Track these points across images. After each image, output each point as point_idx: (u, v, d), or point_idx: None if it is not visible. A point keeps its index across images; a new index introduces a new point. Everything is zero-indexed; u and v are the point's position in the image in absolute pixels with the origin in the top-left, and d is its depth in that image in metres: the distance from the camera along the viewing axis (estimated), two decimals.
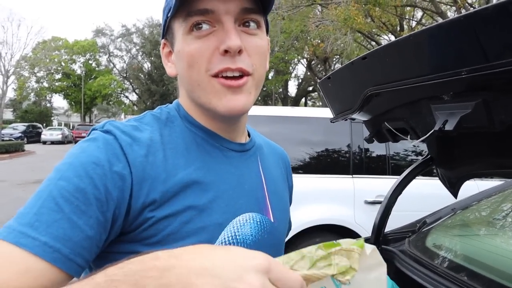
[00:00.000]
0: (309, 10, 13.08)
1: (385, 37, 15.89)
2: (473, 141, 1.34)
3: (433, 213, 1.77)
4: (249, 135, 0.79)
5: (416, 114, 0.95)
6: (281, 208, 0.79)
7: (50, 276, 0.50)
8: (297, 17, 13.24)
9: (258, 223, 0.71)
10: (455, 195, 1.64)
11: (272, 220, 0.74)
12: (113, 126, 0.63)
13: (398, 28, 14.13)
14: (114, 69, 43.35)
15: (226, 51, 0.61)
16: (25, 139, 27.27)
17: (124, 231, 0.59)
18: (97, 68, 42.92)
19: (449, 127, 0.76)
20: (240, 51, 0.62)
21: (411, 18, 14.95)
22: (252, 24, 0.64)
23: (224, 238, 0.65)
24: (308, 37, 13.70)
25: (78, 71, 41.73)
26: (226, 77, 0.62)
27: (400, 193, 1.54)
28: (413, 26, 14.74)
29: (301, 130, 3.66)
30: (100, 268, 0.42)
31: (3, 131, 25.13)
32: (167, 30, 0.69)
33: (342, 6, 9.76)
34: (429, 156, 1.53)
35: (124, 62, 41.96)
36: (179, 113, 0.71)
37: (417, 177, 1.57)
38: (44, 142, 29.66)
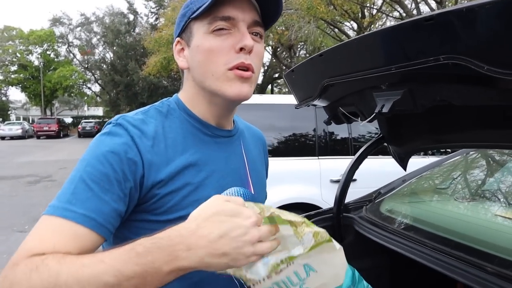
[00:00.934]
0: None
1: (348, 24, 16.37)
2: (415, 122, 1.59)
3: (387, 184, 2.04)
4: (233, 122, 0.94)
5: (362, 100, 1.19)
6: (260, 182, 0.96)
7: (91, 239, 0.66)
8: None
9: (242, 195, 0.86)
10: (405, 168, 1.91)
11: (253, 192, 0.90)
12: (125, 120, 0.76)
13: (360, 16, 14.62)
14: (75, 59, 41.81)
15: (241, 49, 0.76)
16: None
17: (138, 203, 0.75)
18: (56, 59, 41.14)
19: (385, 109, 0.99)
20: (250, 51, 0.77)
21: (372, 6, 15.43)
22: (258, 34, 0.80)
23: None
24: (273, 25, 13.87)
25: (36, 62, 39.95)
26: (238, 68, 0.77)
27: (357, 168, 1.79)
28: (373, 14, 15.25)
29: (270, 116, 3.87)
30: (135, 239, 0.60)
31: None
32: (184, 29, 0.82)
33: None
34: (381, 135, 1.78)
35: (85, 52, 40.52)
36: (178, 106, 0.85)
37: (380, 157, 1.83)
38: (3, 138, 28.39)
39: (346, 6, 12.39)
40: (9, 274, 0.60)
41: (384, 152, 2.29)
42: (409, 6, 12.96)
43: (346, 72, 1.10)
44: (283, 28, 13.80)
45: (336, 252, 0.70)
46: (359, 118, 1.32)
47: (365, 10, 15.19)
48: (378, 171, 3.35)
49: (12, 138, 28.51)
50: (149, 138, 0.76)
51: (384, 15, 15.80)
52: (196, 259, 0.58)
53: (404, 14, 12.16)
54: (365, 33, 0.97)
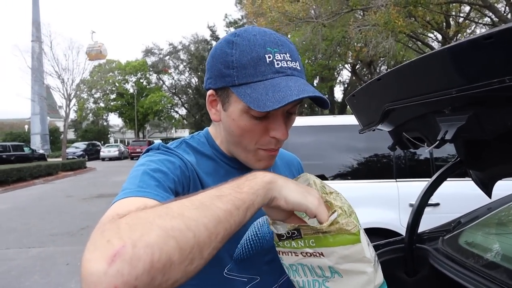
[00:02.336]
0: (349, 16, 13.04)
1: (431, 35, 15.40)
2: (499, 143, 1.42)
3: (469, 213, 1.84)
4: None
5: (426, 126, 1.09)
6: None
7: None
8: (338, 23, 13.24)
9: None
10: (489, 195, 1.70)
11: None
12: (166, 147, 0.80)
13: (444, 25, 13.67)
14: (164, 86, 45.26)
15: (274, 137, 0.77)
16: (86, 156, 29.23)
17: None
18: (147, 86, 45.03)
19: (448, 136, 0.90)
20: None
21: (458, 14, 14.33)
22: (294, 112, 0.80)
23: (249, 236, 0.83)
24: (351, 42, 13.61)
25: (131, 90, 44.09)
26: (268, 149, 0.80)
27: (432, 194, 1.64)
28: (460, 22, 14.16)
29: (345, 137, 3.77)
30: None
31: (67, 150, 27.13)
32: (221, 89, 0.77)
33: (382, 10, 9.69)
34: (458, 159, 1.62)
35: (173, 78, 43.74)
36: (208, 141, 0.88)
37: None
38: (103, 159, 31.57)
39: (428, 17, 11.70)
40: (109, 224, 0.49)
41: None
42: (502, 10, 11.83)
43: (405, 96, 1.03)
44: (362, 45, 13.49)
45: (366, 265, 0.71)
46: (425, 144, 1.22)
47: (450, 19, 14.17)
48: (466, 194, 3.04)
49: (110, 159, 31.60)
50: (187, 161, 0.79)
51: (472, 22, 14.59)
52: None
53: (496, 20, 11.13)
54: (422, 55, 0.90)
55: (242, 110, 0.74)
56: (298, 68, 0.76)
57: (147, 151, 0.80)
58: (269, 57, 0.72)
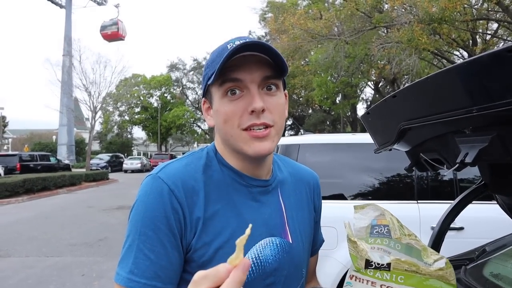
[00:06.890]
0: (372, 33, 12.94)
1: (457, 53, 15.04)
2: None
3: (495, 240, 1.71)
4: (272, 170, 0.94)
5: (445, 147, 1.01)
6: (300, 230, 0.93)
7: None
8: (361, 41, 13.15)
9: (278, 245, 0.85)
10: None
11: (291, 241, 0.88)
12: (165, 173, 0.80)
13: (471, 43, 13.34)
14: (187, 100, 45.90)
15: (252, 111, 0.78)
16: (109, 168, 29.77)
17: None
18: (171, 101, 45.83)
19: (469, 159, 0.82)
20: (263, 110, 0.79)
21: (485, 31, 13.96)
22: (272, 87, 0.82)
23: (250, 259, 0.79)
24: (373, 59, 13.47)
25: (155, 104, 44.95)
26: (253, 130, 0.79)
27: (453, 219, 1.54)
28: (487, 39, 13.78)
29: (365, 156, 3.65)
30: None
31: (91, 161, 27.71)
32: (206, 92, 0.87)
33: (405, 27, 9.55)
34: (482, 182, 1.52)
35: (196, 93, 44.31)
36: (216, 155, 0.88)
37: None
38: (126, 171, 32.05)
39: (454, 34, 11.45)
40: None
41: None
42: None
43: (422, 114, 0.96)
44: (385, 62, 13.34)
45: None
46: (444, 166, 1.13)
47: (477, 37, 13.83)
48: (494, 219, 2.87)
49: (133, 171, 32.07)
50: (189, 189, 0.79)
51: (501, 40, 14.19)
52: None
53: None
54: (440, 70, 0.83)
55: (220, 96, 0.81)
56: None
57: (146, 177, 0.82)
58: (230, 45, 0.80)
